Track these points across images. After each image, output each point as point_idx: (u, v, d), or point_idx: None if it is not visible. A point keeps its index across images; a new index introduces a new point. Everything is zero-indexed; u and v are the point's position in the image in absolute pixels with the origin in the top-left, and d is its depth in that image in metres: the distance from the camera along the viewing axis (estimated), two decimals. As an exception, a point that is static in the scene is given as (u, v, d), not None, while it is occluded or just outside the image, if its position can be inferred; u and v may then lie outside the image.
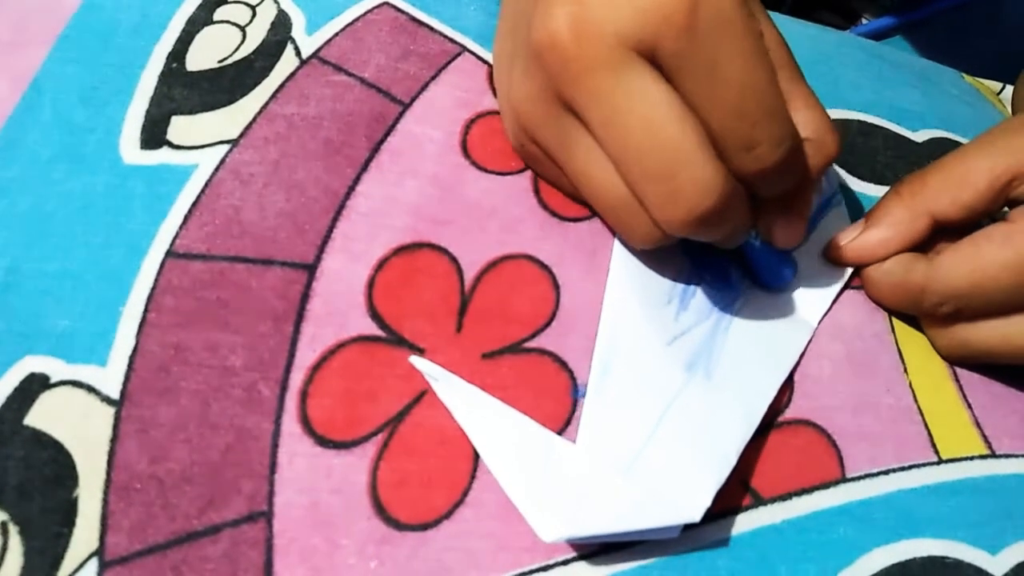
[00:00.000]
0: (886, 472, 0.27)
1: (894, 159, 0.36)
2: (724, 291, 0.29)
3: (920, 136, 0.38)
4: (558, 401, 0.26)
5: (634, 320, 0.27)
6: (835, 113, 0.37)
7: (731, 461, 0.25)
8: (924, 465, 0.27)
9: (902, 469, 0.27)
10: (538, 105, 0.26)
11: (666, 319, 0.28)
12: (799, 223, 0.28)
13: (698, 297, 0.29)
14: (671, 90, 0.24)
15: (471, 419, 0.25)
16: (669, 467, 0.25)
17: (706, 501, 0.24)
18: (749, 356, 0.28)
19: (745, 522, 0.25)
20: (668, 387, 0.26)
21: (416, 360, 0.25)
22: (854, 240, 0.31)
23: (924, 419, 0.28)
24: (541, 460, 0.24)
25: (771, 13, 0.41)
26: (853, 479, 0.27)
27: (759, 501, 0.26)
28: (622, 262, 0.29)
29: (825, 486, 0.26)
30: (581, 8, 0.24)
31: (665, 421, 0.26)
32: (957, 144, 0.38)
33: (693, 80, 0.24)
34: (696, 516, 0.24)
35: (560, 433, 0.26)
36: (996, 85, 0.47)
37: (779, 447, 0.27)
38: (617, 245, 0.29)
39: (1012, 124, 0.30)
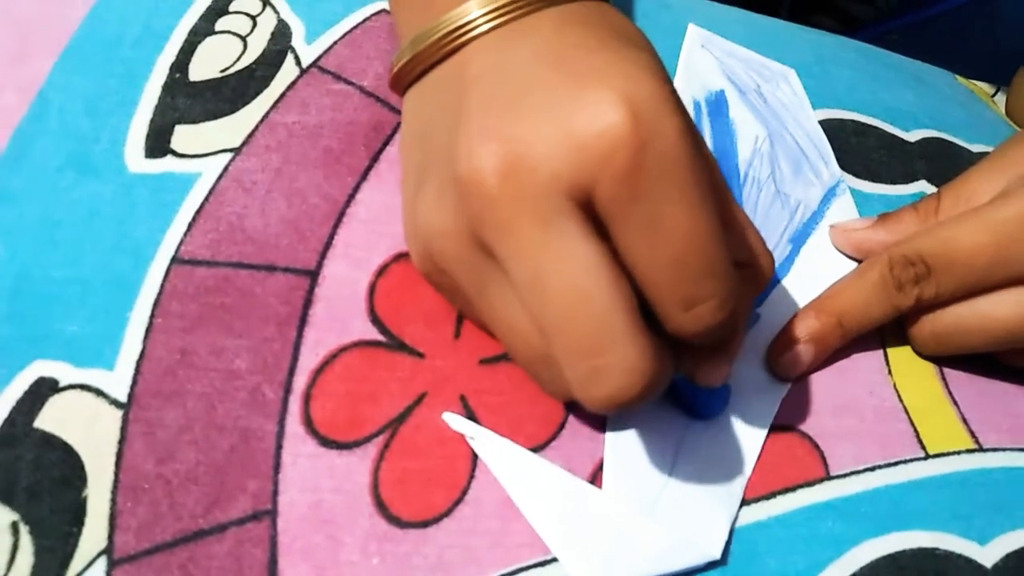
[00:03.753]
0: (872, 469, 0.27)
1: (888, 158, 0.37)
2: None
3: (913, 136, 0.38)
4: (553, 406, 0.27)
5: None
6: (830, 113, 0.37)
7: (739, 495, 0.26)
8: (911, 461, 0.28)
9: (888, 465, 0.28)
10: (453, 242, 0.23)
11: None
12: (727, 364, 0.25)
13: None
14: (604, 250, 0.21)
15: (508, 472, 0.25)
16: (687, 507, 0.25)
17: (723, 537, 0.25)
18: (750, 381, 0.29)
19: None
20: (674, 430, 0.27)
21: (450, 418, 0.26)
22: (859, 232, 0.32)
23: (910, 417, 0.29)
24: (575, 510, 0.25)
25: (769, 18, 0.42)
26: (838, 476, 0.27)
27: (743, 501, 0.26)
28: None
29: (809, 484, 0.27)
30: (512, 146, 0.21)
31: (678, 462, 0.26)
32: (950, 144, 0.39)
33: (632, 230, 0.21)
34: (716, 554, 0.25)
35: (554, 437, 0.26)
36: (990, 88, 0.47)
37: (762, 452, 0.27)
38: None
39: (1017, 140, 0.31)
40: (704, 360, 0.25)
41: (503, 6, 0.24)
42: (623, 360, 0.21)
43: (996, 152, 0.31)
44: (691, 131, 0.21)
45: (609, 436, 0.26)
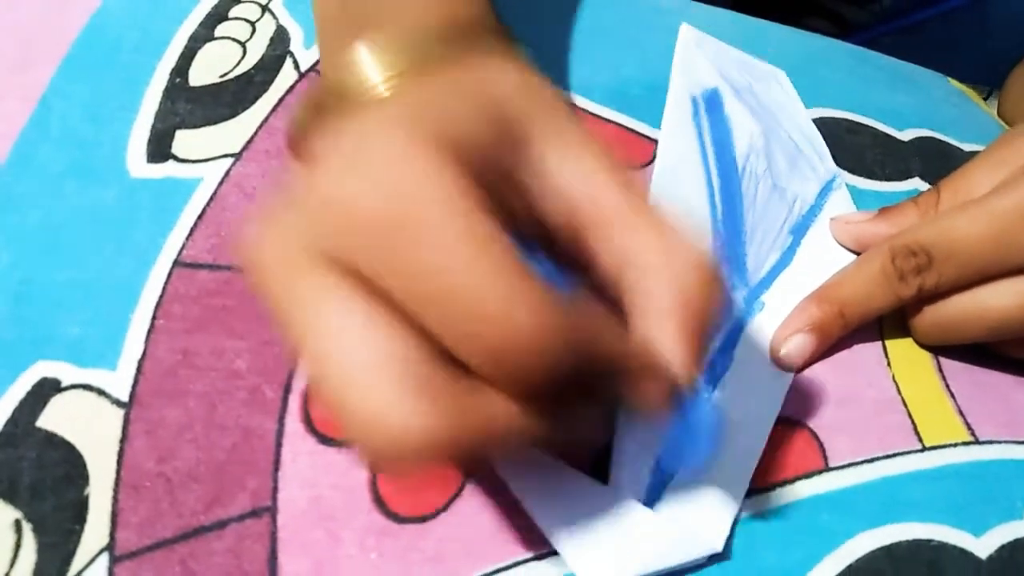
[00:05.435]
0: (870, 460, 0.28)
1: (882, 155, 0.37)
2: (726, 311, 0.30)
3: (906, 135, 0.38)
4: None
5: None
6: (823, 111, 0.38)
7: (743, 488, 0.26)
8: (908, 453, 0.28)
9: (886, 457, 0.28)
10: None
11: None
12: (659, 384, 0.21)
13: None
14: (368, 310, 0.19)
15: (511, 468, 0.25)
16: (690, 501, 0.26)
17: (726, 530, 0.25)
18: (754, 370, 0.29)
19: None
20: (679, 413, 0.27)
21: None
22: (860, 224, 0.32)
23: (908, 409, 0.29)
24: (579, 506, 0.25)
25: (762, 20, 0.42)
26: (836, 468, 0.27)
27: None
28: None
29: (808, 476, 0.27)
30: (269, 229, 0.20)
31: None
32: (943, 143, 0.39)
33: (396, 287, 0.18)
34: (719, 546, 0.25)
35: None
36: (982, 91, 0.47)
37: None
38: None
39: (1011, 136, 0.31)
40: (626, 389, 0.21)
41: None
42: (392, 431, 0.18)
43: (994, 146, 0.32)
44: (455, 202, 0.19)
45: (618, 429, 0.26)
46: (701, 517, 0.25)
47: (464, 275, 0.18)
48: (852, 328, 0.30)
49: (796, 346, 0.29)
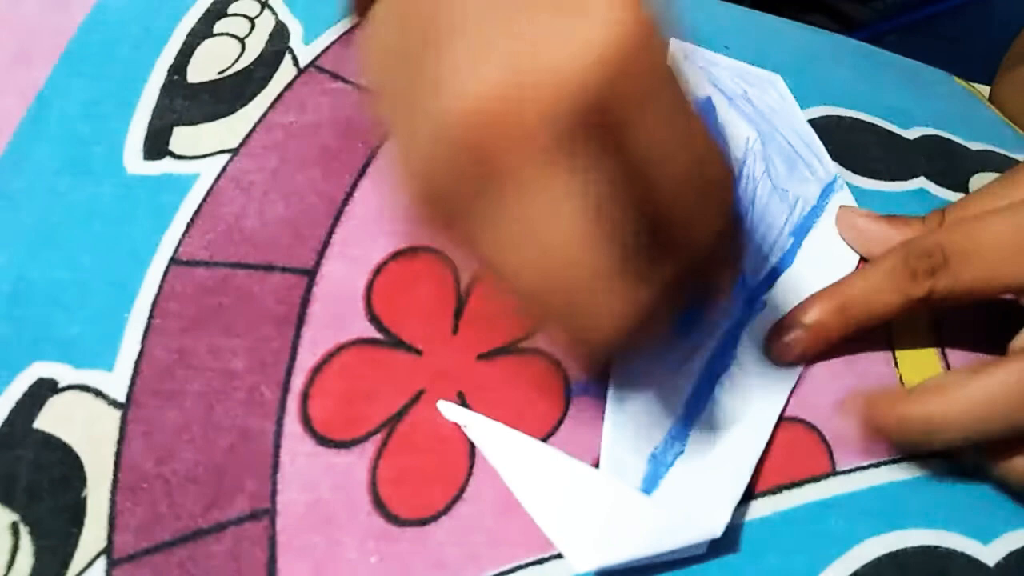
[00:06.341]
0: (876, 465, 0.27)
1: (886, 154, 0.37)
2: (726, 310, 0.30)
3: (912, 133, 0.38)
4: (552, 400, 0.27)
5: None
6: (826, 110, 0.37)
7: (746, 476, 0.26)
8: (916, 458, 0.28)
9: (893, 462, 0.27)
10: (453, 171, 0.20)
11: (673, 345, 0.28)
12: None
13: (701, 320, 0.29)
14: (610, 179, 0.20)
15: (502, 457, 0.25)
16: (689, 486, 0.25)
17: (726, 516, 0.25)
18: (756, 370, 0.28)
19: (734, 515, 0.26)
20: (679, 409, 0.27)
21: (444, 406, 0.26)
22: (866, 220, 0.32)
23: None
24: (571, 492, 0.25)
25: (764, 14, 0.42)
26: (843, 472, 0.27)
27: (749, 496, 0.26)
28: None
29: (815, 479, 0.27)
30: (516, 60, 0.19)
31: (680, 444, 0.26)
32: (949, 142, 0.39)
33: (646, 142, 0.20)
34: (718, 532, 0.24)
35: (554, 431, 0.26)
36: (987, 89, 0.47)
37: (769, 445, 0.27)
38: None
39: (1020, 169, 0.31)
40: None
41: None
42: (613, 308, 0.21)
43: (1001, 178, 0.31)
44: (671, 59, 0.20)
45: (609, 413, 0.26)
46: (700, 504, 0.25)
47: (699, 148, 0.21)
48: (855, 328, 0.29)
49: (791, 341, 0.29)
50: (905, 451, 0.28)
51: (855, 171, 0.35)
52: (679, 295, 0.23)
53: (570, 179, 0.19)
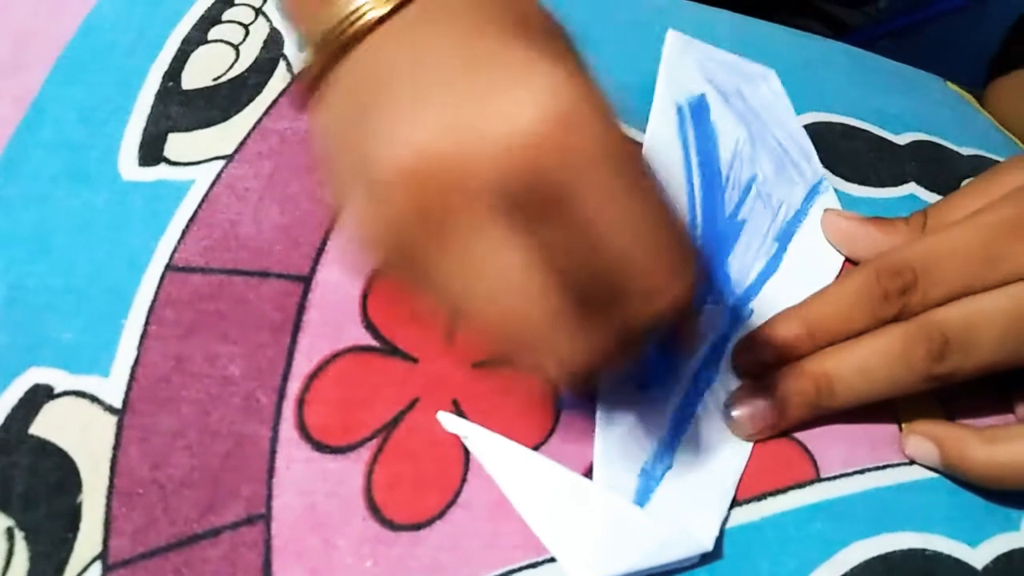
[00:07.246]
0: (861, 471, 0.27)
1: (877, 161, 0.37)
2: (712, 322, 0.30)
3: (903, 139, 0.38)
4: (543, 410, 0.27)
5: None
6: (818, 116, 0.37)
7: (731, 489, 0.26)
8: (900, 465, 0.28)
9: (878, 468, 0.28)
10: (394, 238, 0.21)
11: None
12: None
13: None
14: (534, 247, 0.20)
15: (502, 469, 0.25)
16: (679, 499, 0.26)
17: (714, 530, 0.25)
18: (735, 383, 0.29)
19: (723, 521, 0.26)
20: (666, 423, 0.27)
21: (444, 417, 0.26)
22: (850, 222, 0.32)
23: (900, 421, 0.29)
24: (569, 504, 0.25)
25: (758, 21, 0.42)
26: (828, 479, 0.27)
27: (733, 504, 0.26)
28: None
29: (800, 486, 0.27)
30: (439, 144, 0.19)
31: (668, 457, 0.27)
32: (941, 147, 0.39)
33: (569, 231, 0.20)
34: (709, 545, 0.25)
35: (544, 441, 0.26)
36: (980, 94, 0.47)
37: (752, 455, 0.27)
38: None
39: (1000, 168, 0.31)
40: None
41: None
42: (561, 354, 0.21)
43: (982, 176, 0.32)
44: (615, 126, 0.21)
45: (599, 430, 0.27)
46: (690, 517, 0.25)
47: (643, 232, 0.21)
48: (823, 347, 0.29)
49: (752, 362, 0.29)
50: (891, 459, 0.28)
51: (846, 178, 0.35)
52: (640, 338, 0.24)
53: (511, 236, 0.20)
